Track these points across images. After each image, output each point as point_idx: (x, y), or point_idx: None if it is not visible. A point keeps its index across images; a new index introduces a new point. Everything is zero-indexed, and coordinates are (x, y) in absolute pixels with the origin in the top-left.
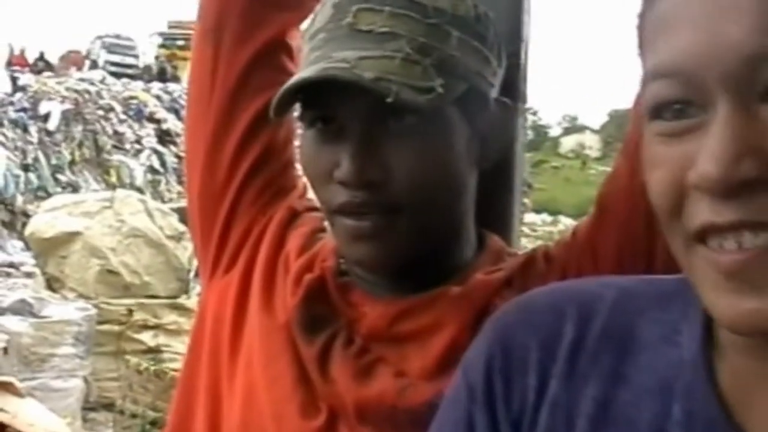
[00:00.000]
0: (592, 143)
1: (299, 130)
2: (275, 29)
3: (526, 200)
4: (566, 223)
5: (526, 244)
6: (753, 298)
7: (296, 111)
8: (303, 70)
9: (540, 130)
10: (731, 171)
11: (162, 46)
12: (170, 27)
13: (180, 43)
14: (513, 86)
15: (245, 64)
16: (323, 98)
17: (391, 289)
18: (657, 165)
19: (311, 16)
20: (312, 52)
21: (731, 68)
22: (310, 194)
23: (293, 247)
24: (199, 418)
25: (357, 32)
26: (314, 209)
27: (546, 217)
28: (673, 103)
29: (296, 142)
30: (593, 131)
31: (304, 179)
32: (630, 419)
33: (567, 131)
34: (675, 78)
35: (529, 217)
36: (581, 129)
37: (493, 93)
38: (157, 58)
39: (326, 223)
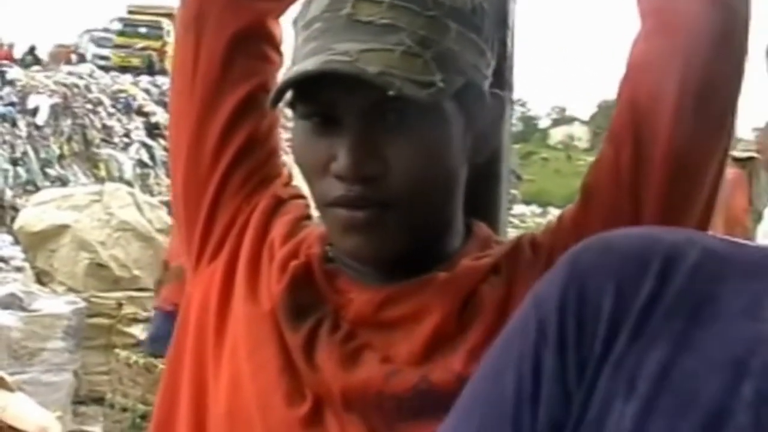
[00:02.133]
0: (581, 134)
1: (289, 119)
2: (252, 17)
3: (515, 191)
4: (555, 214)
5: (514, 236)
6: None
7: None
8: (301, 62)
9: (529, 122)
10: None
11: (121, 33)
12: (130, 12)
13: (142, 30)
14: (499, 75)
15: (225, 52)
16: (321, 90)
17: (378, 276)
18: None
19: (302, 3)
20: (308, 42)
21: None
22: (295, 182)
23: (278, 235)
24: (183, 408)
25: (356, 23)
26: (299, 197)
27: (535, 208)
28: None
29: (281, 130)
30: (582, 122)
31: (289, 167)
32: (692, 390)
33: (556, 122)
34: None
35: (519, 208)
36: (570, 120)
37: (487, 85)
38: (116, 46)
39: (311, 211)
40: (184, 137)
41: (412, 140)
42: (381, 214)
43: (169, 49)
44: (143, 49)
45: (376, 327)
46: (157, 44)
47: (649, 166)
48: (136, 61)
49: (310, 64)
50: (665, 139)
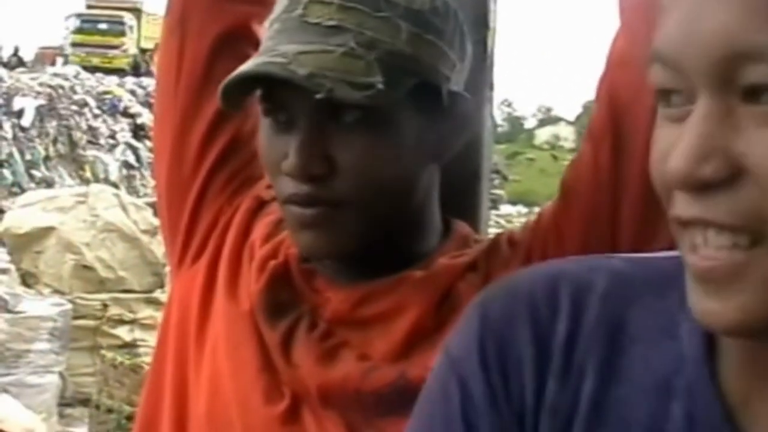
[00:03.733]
0: (567, 135)
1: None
2: (236, 20)
3: (501, 192)
4: None
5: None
6: (714, 300)
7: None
8: (245, 64)
9: (515, 122)
10: (694, 170)
11: (78, 30)
12: (89, 7)
13: (102, 26)
14: (479, 74)
15: (208, 54)
16: (275, 91)
17: (354, 275)
18: (654, 149)
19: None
20: (265, 43)
21: (711, 63)
22: None
23: (259, 236)
24: (166, 409)
25: (306, 24)
26: None
27: (521, 208)
28: (667, 89)
29: None
30: (568, 122)
31: None
32: (624, 418)
33: (542, 123)
34: (664, 65)
35: (505, 208)
36: (556, 120)
37: (454, 86)
38: (74, 45)
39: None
40: (167, 138)
41: (359, 141)
42: (330, 212)
43: (131, 46)
44: (103, 46)
45: (353, 325)
46: (117, 41)
47: (629, 163)
48: (96, 60)
49: (247, 66)
50: (646, 134)
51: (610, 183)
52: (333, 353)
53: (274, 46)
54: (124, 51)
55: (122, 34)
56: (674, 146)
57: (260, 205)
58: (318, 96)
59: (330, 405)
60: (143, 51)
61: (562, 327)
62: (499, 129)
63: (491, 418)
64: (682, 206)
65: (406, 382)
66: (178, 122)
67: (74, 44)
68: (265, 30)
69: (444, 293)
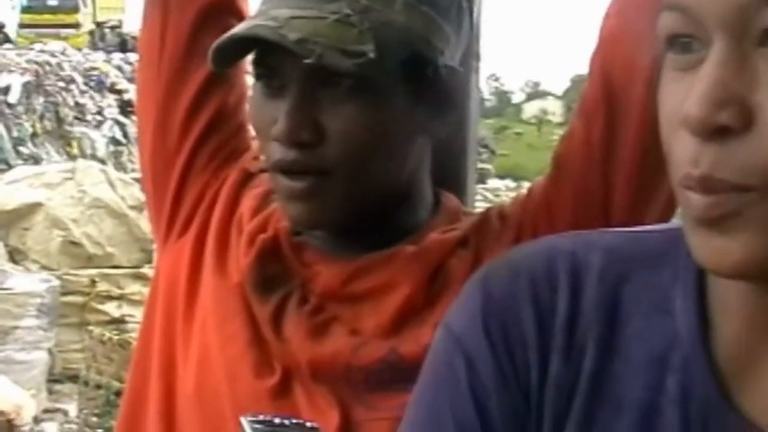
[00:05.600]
0: (554, 109)
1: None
2: None
3: (489, 166)
4: None
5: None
6: (719, 240)
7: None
8: (237, 26)
9: (503, 97)
10: (712, 114)
11: (27, 9)
12: None
13: (52, 2)
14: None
15: (191, 26)
16: (268, 55)
17: (345, 248)
18: (665, 102)
19: None
20: (259, 7)
21: (728, 8)
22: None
23: (247, 209)
24: (154, 383)
25: None
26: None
27: (509, 182)
28: (679, 36)
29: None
30: (556, 97)
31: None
32: (621, 394)
33: (530, 97)
34: (679, 11)
35: (493, 182)
36: (544, 95)
37: (447, 60)
38: (21, 26)
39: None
40: (151, 112)
41: (349, 110)
42: (319, 182)
43: (86, 22)
44: (55, 26)
45: (344, 300)
46: (70, 18)
47: (622, 139)
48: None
49: (240, 28)
50: (639, 110)
51: (603, 159)
52: (323, 328)
53: (267, 9)
54: (79, 28)
55: (75, 9)
56: (689, 93)
57: (247, 177)
58: (307, 61)
59: (320, 380)
60: (99, 25)
61: (563, 305)
62: (487, 103)
63: (500, 395)
64: (690, 159)
65: (397, 358)
66: (162, 95)
67: (22, 25)
68: None
69: (435, 269)
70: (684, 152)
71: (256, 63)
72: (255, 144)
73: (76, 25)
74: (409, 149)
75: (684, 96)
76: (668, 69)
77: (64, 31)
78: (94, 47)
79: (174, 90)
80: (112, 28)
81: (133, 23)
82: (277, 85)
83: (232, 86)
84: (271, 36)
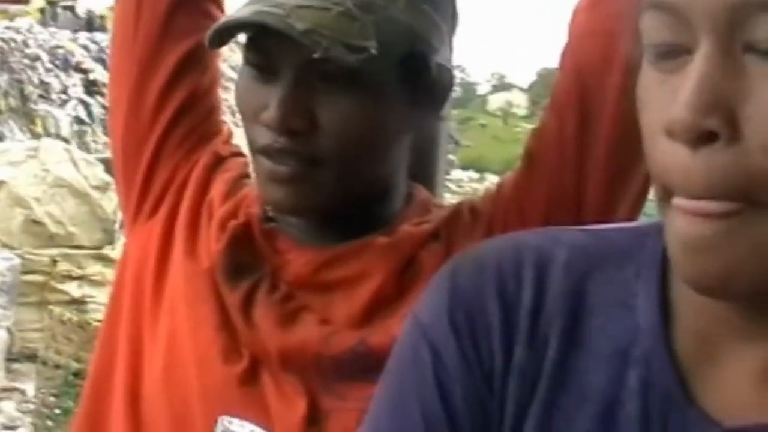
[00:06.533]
0: (520, 102)
1: (229, 78)
2: None
3: (453, 157)
4: (492, 180)
5: (451, 201)
6: (703, 259)
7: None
8: (240, 9)
9: (468, 88)
10: (699, 119)
11: None
12: None
13: None
14: None
15: (167, 7)
16: (262, 40)
17: (317, 237)
18: (646, 104)
19: None
20: None
21: (716, 11)
22: (236, 140)
23: (217, 193)
24: (120, 366)
25: None
26: (239, 154)
27: (473, 173)
28: (662, 37)
29: (221, 87)
30: (521, 90)
31: (229, 125)
32: (583, 386)
33: (495, 89)
34: (664, 11)
35: (456, 173)
36: (509, 87)
37: (440, 58)
38: None
39: (251, 169)
40: (124, 92)
41: (344, 102)
42: (305, 169)
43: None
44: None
45: (314, 289)
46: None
47: (595, 134)
48: None
49: (244, 13)
50: (613, 105)
51: (576, 154)
52: (293, 316)
53: None
54: (28, 3)
55: None
56: (675, 97)
57: (218, 161)
58: (315, 55)
59: (289, 368)
60: (52, 3)
61: (528, 297)
62: (453, 94)
63: (464, 381)
64: (679, 169)
65: (366, 348)
66: (136, 74)
67: None
68: None
69: (407, 261)
70: (670, 161)
71: (250, 47)
72: (226, 128)
73: (24, 1)
74: (398, 145)
75: (669, 99)
76: (649, 70)
77: (12, 8)
78: (44, 25)
79: (148, 70)
80: (66, 8)
81: (87, 2)
82: (269, 71)
83: (207, 68)
84: (277, 24)
